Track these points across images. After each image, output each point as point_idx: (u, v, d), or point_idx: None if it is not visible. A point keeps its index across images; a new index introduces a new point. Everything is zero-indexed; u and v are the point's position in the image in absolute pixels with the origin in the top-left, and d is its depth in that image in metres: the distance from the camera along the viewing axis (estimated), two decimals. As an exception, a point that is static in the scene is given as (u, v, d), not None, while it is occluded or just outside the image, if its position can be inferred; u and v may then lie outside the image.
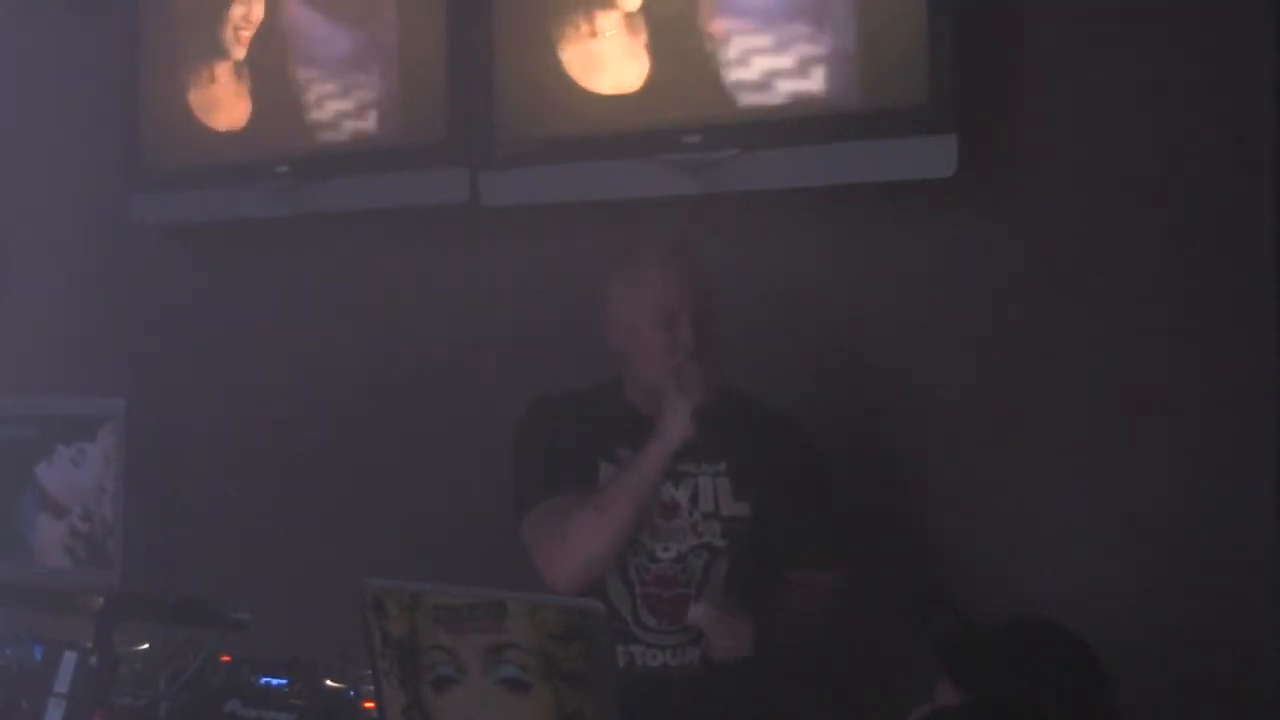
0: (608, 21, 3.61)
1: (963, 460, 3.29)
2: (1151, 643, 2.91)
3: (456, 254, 3.95)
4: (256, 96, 4.30)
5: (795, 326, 3.51)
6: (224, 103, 4.38)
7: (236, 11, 4.28)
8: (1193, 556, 2.95)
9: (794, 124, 3.36)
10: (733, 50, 3.45)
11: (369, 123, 4.08)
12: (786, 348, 3.50)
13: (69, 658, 2.95)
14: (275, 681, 3.08)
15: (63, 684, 2.94)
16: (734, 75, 3.45)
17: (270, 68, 4.24)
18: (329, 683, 3.06)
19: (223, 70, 4.37)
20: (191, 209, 4.47)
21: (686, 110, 3.52)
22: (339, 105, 4.13)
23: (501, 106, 3.78)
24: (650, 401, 3.00)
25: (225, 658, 3.13)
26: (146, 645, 3.13)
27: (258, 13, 4.23)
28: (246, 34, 4.29)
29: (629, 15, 3.58)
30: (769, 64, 3.41)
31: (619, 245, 3.52)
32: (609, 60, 3.62)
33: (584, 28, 3.64)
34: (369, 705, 2.92)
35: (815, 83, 3.33)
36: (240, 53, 4.33)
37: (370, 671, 2.76)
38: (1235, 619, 2.90)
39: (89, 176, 4.73)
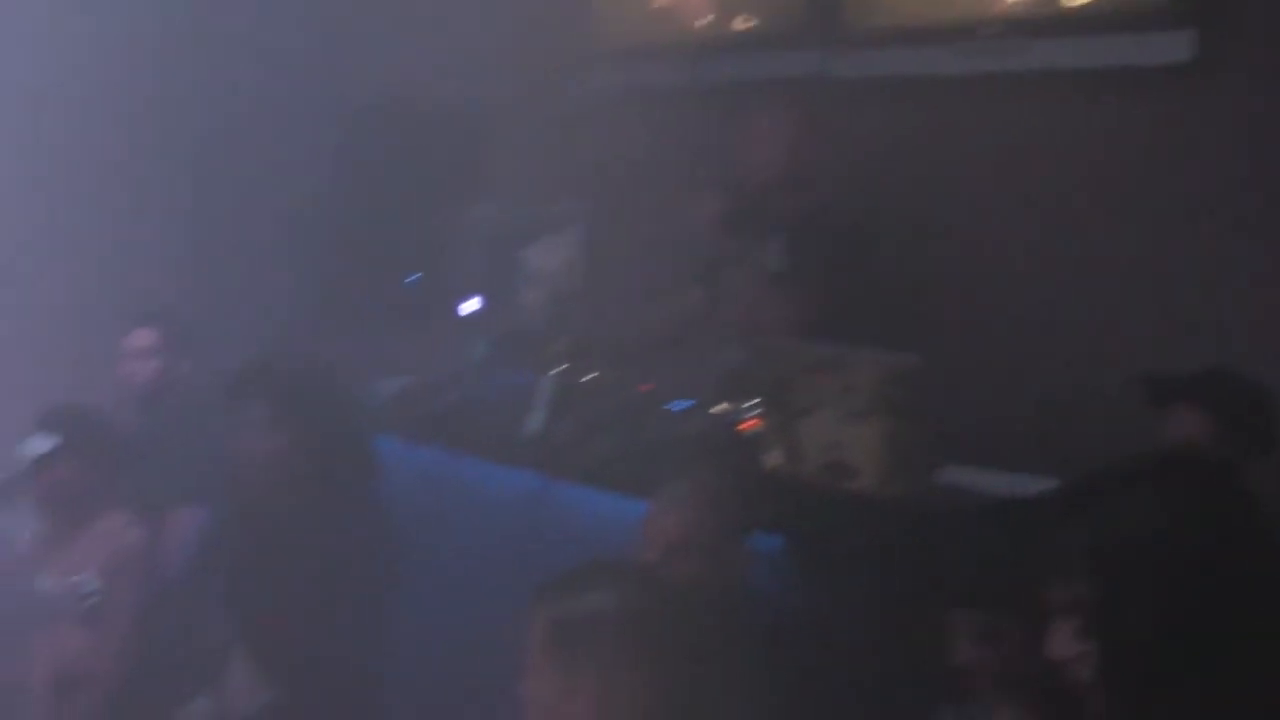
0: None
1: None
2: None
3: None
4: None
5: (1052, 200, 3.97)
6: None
7: None
8: None
9: (1064, 18, 3.90)
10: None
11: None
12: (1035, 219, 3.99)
13: (547, 379, 3.91)
14: (680, 406, 3.96)
15: (541, 400, 3.89)
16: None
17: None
18: (714, 410, 3.85)
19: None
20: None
21: (988, 7, 4.07)
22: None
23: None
24: None
25: (646, 387, 4.06)
26: (596, 374, 4.01)
27: None
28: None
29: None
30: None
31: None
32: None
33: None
34: (747, 426, 3.72)
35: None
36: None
37: (751, 405, 3.76)
38: None
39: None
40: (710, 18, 4.89)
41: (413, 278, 4.86)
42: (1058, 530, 1.87)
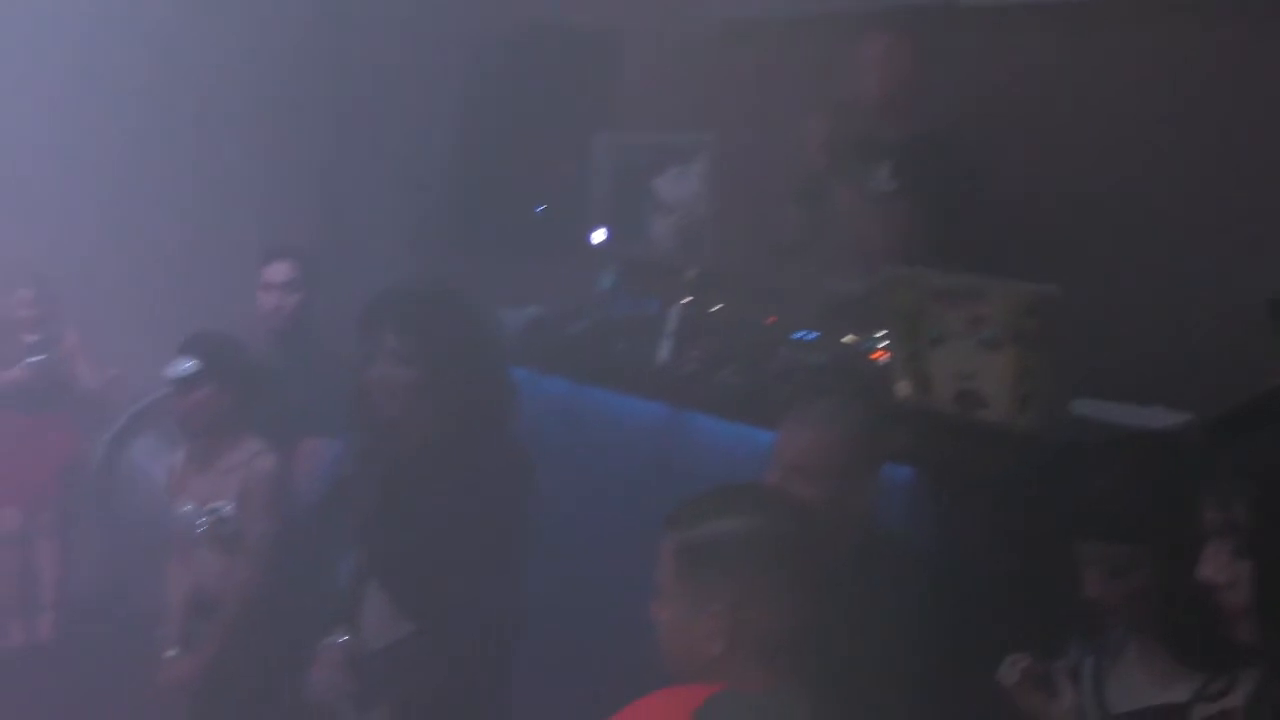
0: None
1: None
2: None
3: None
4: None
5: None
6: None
7: None
8: None
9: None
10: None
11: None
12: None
13: (675, 310, 3.97)
14: (808, 336, 3.98)
15: (670, 327, 3.96)
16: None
17: None
18: (843, 340, 3.91)
19: None
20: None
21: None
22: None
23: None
24: None
25: (771, 319, 4.11)
26: (721, 305, 4.09)
27: None
28: None
29: None
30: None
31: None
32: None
33: None
34: (875, 356, 3.78)
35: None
36: None
37: (880, 334, 3.76)
38: None
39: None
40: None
41: (541, 207, 4.89)
42: (1214, 453, 1.84)
